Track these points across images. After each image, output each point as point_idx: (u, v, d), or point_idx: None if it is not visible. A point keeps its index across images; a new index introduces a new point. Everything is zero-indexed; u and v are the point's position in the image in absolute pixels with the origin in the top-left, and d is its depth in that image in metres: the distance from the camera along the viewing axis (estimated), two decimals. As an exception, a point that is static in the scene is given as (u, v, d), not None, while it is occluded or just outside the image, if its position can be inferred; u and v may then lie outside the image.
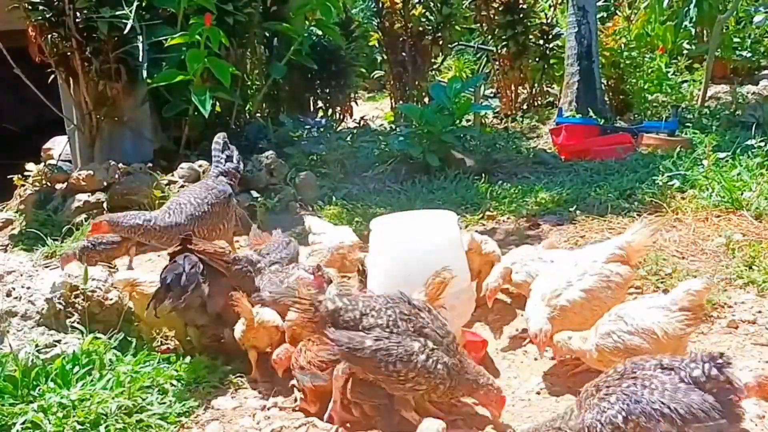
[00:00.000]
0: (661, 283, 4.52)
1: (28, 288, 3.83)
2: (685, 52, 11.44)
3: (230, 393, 3.59)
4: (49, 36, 6.62)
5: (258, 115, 8.82)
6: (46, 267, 4.50)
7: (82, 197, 6.43)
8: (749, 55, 11.63)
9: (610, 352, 3.26)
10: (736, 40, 11.54)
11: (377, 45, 11.55)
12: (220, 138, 5.07)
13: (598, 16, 10.05)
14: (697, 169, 6.32)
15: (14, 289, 3.82)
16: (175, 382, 3.58)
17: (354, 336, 3.07)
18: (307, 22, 8.33)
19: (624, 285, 3.72)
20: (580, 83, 9.32)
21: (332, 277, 4.09)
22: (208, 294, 3.76)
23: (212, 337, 3.97)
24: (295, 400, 3.47)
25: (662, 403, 2.52)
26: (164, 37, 6.72)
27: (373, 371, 3.05)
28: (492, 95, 11.35)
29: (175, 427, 3.28)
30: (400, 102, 10.55)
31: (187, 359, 3.79)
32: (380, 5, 10.53)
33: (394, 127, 9.80)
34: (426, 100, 10.20)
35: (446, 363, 3.08)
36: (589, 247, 4.10)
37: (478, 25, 11.39)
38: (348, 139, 8.45)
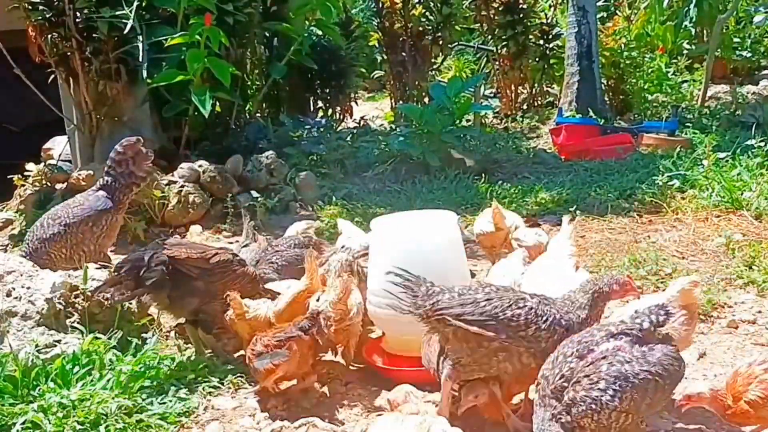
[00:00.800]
0: (661, 282, 4.53)
1: (28, 288, 3.82)
2: (685, 52, 11.45)
3: (230, 393, 3.58)
4: (49, 36, 6.61)
5: (258, 115, 8.82)
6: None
7: (83, 197, 6.42)
8: (749, 55, 11.64)
9: None
10: (736, 40, 11.56)
11: (377, 45, 11.54)
12: (120, 146, 4.62)
13: (598, 16, 10.05)
14: (697, 169, 6.34)
15: (14, 289, 3.81)
16: (175, 382, 3.57)
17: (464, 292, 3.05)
18: (307, 22, 8.32)
19: None
20: (580, 83, 9.33)
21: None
22: (178, 295, 3.71)
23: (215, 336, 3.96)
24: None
25: (643, 370, 2.68)
26: (164, 37, 6.70)
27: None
28: (492, 95, 11.36)
29: (175, 427, 3.28)
30: (400, 102, 10.54)
31: (187, 359, 3.79)
32: (380, 5, 10.52)
33: (394, 127, 9.79)
34: (426, 100, 10.19)
35: (554, 314, 3.00)
36: (542, 263, 3.87)
37: (478, 25, 11.39)
38: (348, 139, 8.45)
